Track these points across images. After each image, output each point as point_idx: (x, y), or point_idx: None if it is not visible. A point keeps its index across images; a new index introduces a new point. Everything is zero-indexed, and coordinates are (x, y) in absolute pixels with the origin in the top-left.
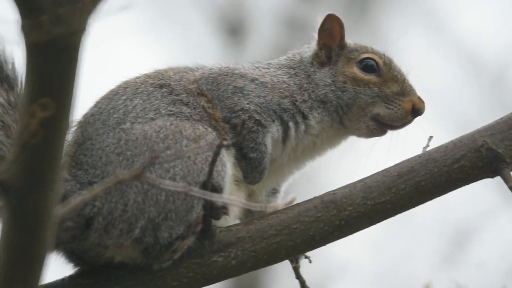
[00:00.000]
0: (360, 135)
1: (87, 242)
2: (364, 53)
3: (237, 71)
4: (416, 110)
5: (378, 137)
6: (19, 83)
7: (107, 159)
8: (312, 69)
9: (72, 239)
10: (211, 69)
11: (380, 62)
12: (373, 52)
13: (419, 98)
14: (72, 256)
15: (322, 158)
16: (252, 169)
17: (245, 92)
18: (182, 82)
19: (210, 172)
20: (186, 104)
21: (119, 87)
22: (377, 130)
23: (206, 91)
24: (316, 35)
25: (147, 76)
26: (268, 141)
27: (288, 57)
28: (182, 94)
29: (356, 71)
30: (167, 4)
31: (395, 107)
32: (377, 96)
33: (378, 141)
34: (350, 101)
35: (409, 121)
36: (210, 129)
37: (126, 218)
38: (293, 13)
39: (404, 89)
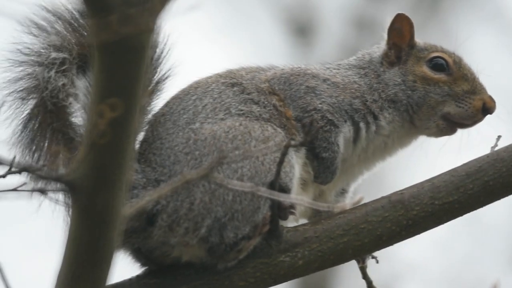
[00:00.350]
0: (430, 134)
1: (152, 240)
2: (433, 52)
3: (309, 71)
4: (487, 108)
5: (448, 136)
6: None
7: (175, 158)
8: (381, 69)
9: (132, 232)
10: (283, 69)
11: (450, 60)
12: (443, 51)
13: (490, 97)
14: (139, 255)
15: (393, 159)
16: (324, 169)
17: (318, 92)
18: (254, 81)
19: (278, 172)
20: (257, 103)
21: (190, 87)
22: (446, 129)
23: (278, 90)
24: (385, 35)
25: (219, 75)
26: (341, 141)
27: (358, 57)
28: (253, 93)
29: (426, 70)
30: (236, 4)
31: (466, 105)
32: (447, 95)
33: (447, 141)
34: (420, 100)
35: (480, 120)
36: (279, 129)
37: (192, 217)
38: (361, 12)
39: (474, 88)
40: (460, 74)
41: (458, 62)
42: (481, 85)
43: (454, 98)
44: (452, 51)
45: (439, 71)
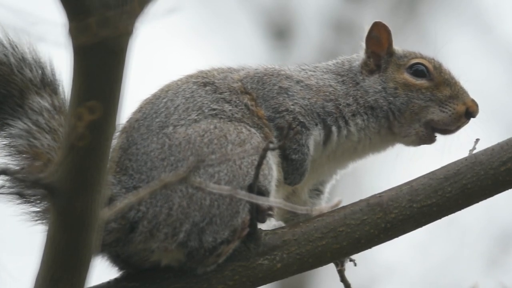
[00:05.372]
0: (408, 142)
1: (132, 246)
2: (413, 58)
3: (282, 72)
4: (470, 112)
5: (427, 145)
6: (61, 87)
7: (152, 164)
8: (361, 77)
9: (116, 242)
10: (256, 69)
11: (430, 66)
12: (422, 57)
13: (472, 100)
14: (117, 260)
15: (365, 161)
16: (293, 171)
17: (290, 93)
18: (226, 81)
19: (256, 175)
20: (229, 102)
21: (161, 90)
22: (425, 137)
23: (251, 89)
24: (363, 44)
25: (190, 76)
26: (311, 143)
27: (337, 63)
28: (226, 92)
29: (407, 76)
30: (215, 7)
31: (450, 110)
32: (430, 100)
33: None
34: (403, 106)
35: (464, 124)
36: (253, 130)
37: (171, 222)
38: (339, 15)
39: (456, 92)
40: (441, 79)
41: (438, 68)
42: (462, 89)
43: (437, 103)
44: (431, 57)
45: (420, 77)
